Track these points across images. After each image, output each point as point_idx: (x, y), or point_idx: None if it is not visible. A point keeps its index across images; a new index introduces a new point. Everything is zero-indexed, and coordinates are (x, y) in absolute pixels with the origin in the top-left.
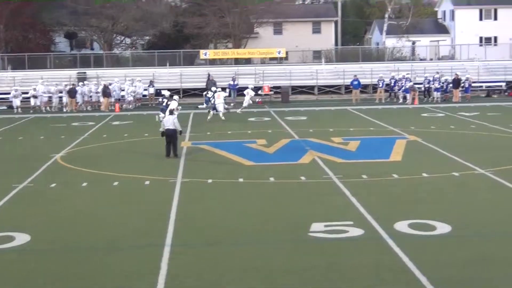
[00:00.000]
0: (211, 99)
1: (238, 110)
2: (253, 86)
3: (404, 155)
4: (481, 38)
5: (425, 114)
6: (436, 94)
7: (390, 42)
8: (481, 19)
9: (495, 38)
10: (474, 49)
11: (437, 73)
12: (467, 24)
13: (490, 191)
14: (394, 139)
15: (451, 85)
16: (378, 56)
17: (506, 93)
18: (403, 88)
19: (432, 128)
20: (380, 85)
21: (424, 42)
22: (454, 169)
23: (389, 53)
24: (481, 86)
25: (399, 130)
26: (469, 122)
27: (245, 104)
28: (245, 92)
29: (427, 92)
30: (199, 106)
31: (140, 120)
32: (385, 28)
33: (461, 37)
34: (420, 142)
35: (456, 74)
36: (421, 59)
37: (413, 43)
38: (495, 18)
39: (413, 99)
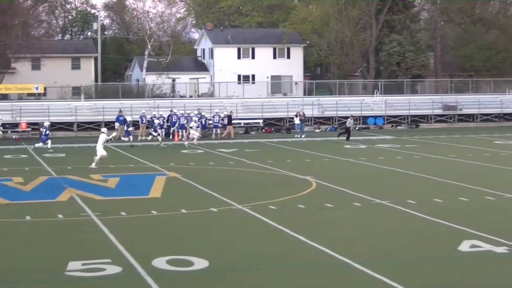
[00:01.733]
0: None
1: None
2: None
3: (164, 192)
4: (239, 76)
5: (185, 151)
6: None
7: (150, 79)
8: (239, 57)
9: (253, 76)
10: (233, 86)
11: (197, 110)
12: (226, 62)
13: (247, 226)
14: (154, 176)
15: (210, 121)
16: (139, 93)
17: (263, 130)
18: (178, 124)
19: (191, 164)
20: (142, 122)
21: (184, 79)
22: (212, 204)
23: (149, 90)
24: (240, 123)
25: (158, 167)
26: (228, 159)
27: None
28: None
29: (185, 129)
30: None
31: None
32: (145, 65)
33: (220, 75)
34: (180, 179)
35: (231, 111)
36: (181, 96)
37: (173, 80)
38: (253, 57)
39: (174, 136)
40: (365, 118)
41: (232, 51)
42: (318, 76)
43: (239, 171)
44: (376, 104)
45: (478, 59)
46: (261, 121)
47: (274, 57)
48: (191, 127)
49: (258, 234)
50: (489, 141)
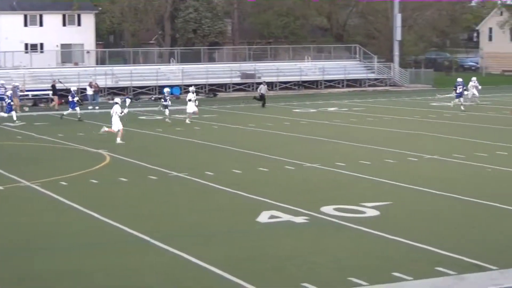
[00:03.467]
0: None
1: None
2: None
3: None
4: (26, 44)
5: None
6: None
7: None
8: (26, 25)
9: (41, 44)
10: (20, 56)
11: None
12: (11, 30)
13: (36, 204)
14: None
15: None
16: None
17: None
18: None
19: None
20: None
21: None
22: None
23: None
24: (28, 95)
25: None
26: (15, 133)
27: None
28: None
29: None
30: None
31: None
32: None
33: (5, 43)
34: None
35: (55, 80)
36: None
37: None
38: (41, 24)
39: None
40: (161, 87)
41: (18, 18)
42: (112, 44)
43: (27, 146)
44: (173, 73)
45: (276, 26)
46: (50, 92)
47: (64, 25)
48: (189, 100)
49: (48, 212)
50: (288, 109)
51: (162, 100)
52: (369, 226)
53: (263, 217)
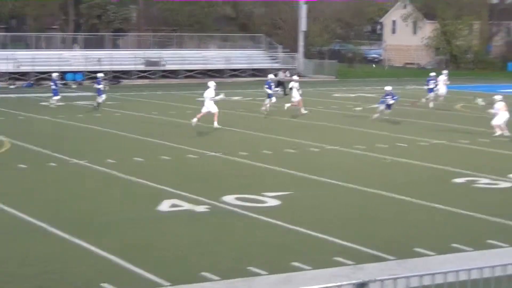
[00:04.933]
0: None
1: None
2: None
3: None
4: None
5: None
6: None
7: None
8: None
9: None
10: None
11: None
12: None
13: None
14: None
15: None
16: None
17: None
18: None
19: None
20: None
21: None
22: None
23: None
24: None
25: None
26: None
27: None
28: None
29: None
30: None
31: None
32: None
33: None
34: None
35: None
36: None
37: None
38: None
39: None
40: (64, 73)
41: None
42: (14, 28)
43: None
44: (76, 58)
45: (182, 14)
46: None
47: None
48: (291, 89)
49: None
50: (192, 97)
51: (267, 87)
52: (270, 215)
53: (164, 205)
